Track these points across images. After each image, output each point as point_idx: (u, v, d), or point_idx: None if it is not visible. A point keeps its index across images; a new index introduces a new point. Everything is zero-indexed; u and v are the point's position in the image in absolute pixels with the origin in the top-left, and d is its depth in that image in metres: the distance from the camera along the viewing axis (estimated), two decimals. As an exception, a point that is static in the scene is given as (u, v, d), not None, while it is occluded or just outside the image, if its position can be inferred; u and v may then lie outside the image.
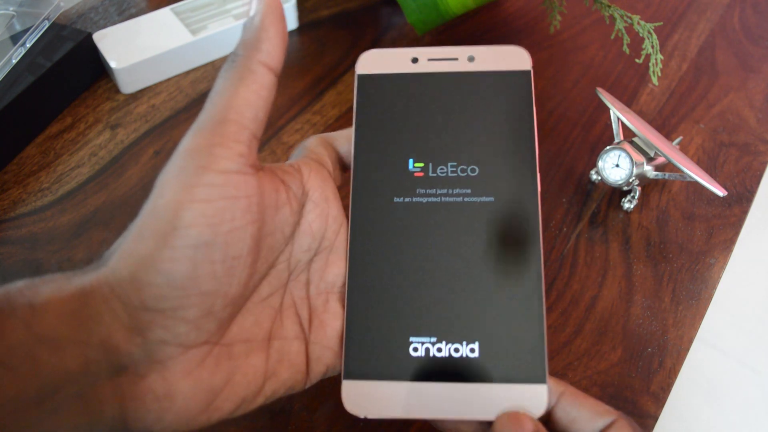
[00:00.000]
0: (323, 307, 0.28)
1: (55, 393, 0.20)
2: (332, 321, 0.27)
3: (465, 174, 0.28)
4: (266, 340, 0.26)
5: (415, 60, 0.30)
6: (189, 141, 0.23)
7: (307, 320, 0.27)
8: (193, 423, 0.23)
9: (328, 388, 0.33)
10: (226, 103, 0.24)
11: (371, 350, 0.26)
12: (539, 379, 0.25)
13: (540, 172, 0.45)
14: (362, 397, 0.26)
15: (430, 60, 0.30)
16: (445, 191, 0.28)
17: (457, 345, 0.26)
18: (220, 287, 0.23)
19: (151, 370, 0.22)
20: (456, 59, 0.30)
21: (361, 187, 0.28)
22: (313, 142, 0.30)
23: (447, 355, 0.26)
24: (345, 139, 0.30)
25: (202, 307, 0.23)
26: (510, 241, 0.27)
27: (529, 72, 0.29)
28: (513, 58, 0.30)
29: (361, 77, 0.30)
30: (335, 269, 0.28)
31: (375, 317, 0.27)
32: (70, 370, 0.21)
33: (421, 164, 0.29)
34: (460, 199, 0.28)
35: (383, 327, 0.27)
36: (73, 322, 0.21)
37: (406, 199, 0.28)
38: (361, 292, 0.27)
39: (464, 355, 0.26)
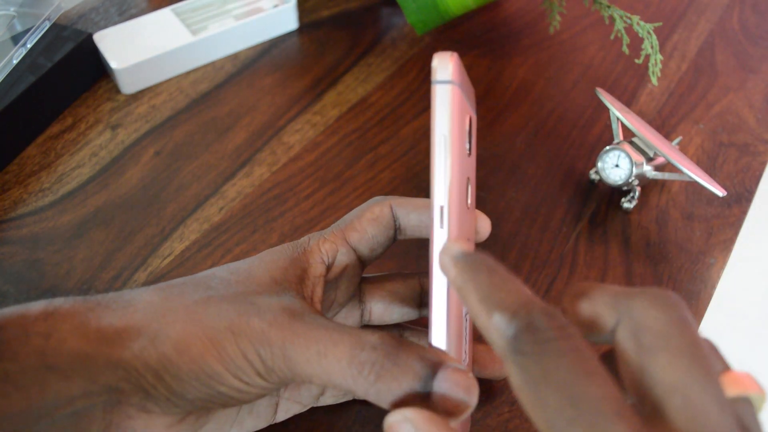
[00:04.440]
0: None
1: (55, 411, 0.22)
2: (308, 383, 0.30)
3: None
4: None
5: None
6: None
7: None
8: None
9: (329, 388, 0.33)
10: None
11: None
12: None
13: (541, 172, 0.45)
14: None
15: None
16: None
17: None
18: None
19: (140, 417, 0.24)
20: None
21: None
22: (368, 216, 0.29)
23: None
24: (413, 207, 0.29)
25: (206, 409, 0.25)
26: None
27: None
28: None
29: None
30: None
31: None
32: (72, 395, 0.22)
33: None
34: None
35: None
36: (86, 363, 0.22)
37: None
38: None
39: None
